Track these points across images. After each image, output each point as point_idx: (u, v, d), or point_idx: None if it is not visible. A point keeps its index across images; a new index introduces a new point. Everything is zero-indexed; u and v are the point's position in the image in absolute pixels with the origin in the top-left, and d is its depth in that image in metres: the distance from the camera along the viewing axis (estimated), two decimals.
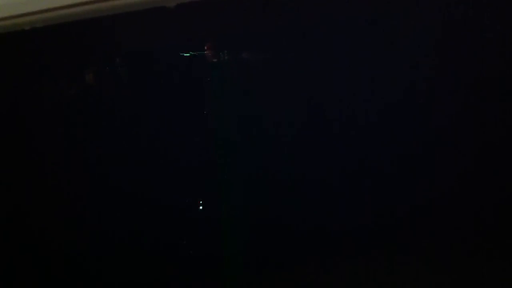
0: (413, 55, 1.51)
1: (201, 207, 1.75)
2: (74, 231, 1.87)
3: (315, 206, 1.62)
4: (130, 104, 1.78)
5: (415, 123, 1.53)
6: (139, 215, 1.79)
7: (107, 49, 1.76)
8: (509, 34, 1.43)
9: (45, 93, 1.83)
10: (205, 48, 1.66)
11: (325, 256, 1.64)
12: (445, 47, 1.48)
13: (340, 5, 1.53)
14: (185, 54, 1.67)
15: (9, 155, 1.88)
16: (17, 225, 1.92)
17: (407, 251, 1.56)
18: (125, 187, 1.79)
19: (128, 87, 1.79)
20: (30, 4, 1.65)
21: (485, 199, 1.47)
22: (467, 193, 1.49)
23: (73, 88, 1.83)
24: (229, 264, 1.72)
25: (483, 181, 1.47)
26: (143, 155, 1.78)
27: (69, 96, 1.83)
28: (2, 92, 1.85)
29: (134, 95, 1.78)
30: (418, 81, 1.51)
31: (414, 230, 1.54)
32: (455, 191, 1.50)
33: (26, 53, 1.80)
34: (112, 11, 1.62)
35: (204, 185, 1.74)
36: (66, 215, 1.87)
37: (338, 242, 1.61)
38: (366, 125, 1.56)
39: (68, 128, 1.84)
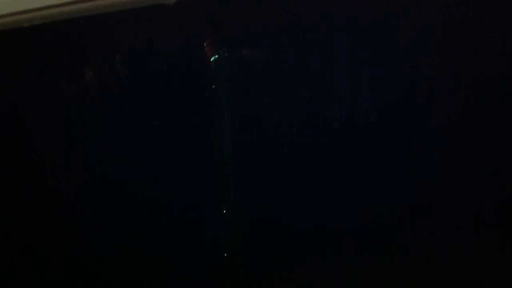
0: (413, 55, 1.51)
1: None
2: (74, 230, 1.85)
3: (315, 206, 1.62)
4: (127, 101, 1.77)
5: (415, 123, 1.52)
6: (139, 215, 1.78)
7: (105, 46, 1.75)
8: (509, 34, 1.42)
9: (44, 89, 1.82)
10: (204, 45, 1.66)
11: (325, 256, 1.63)
12: (445, 47, 1.48)
13: (340, 5, 1.53)
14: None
15: (8, 151, 1.87)
16: (17, 224, 1.91)
17: (407, 251, 1.56)
18: (124, 186, 1.79)
19: (126, 84, 1.78)
20: (29, 2, 1.65)
21: (485, 199, 1.47)
22: (466, 193, 1.48)
23: (71, 84, 1.82)
24: (229, 264, 1.71)
25: (483, 181, 1.47)
26: (142, 154, 1.78)
27: (67, 93, 1.82)
28: (1, 89, 1.84)
29: (131, 92, 1.77)
30: (418, 81, 1.51)
31: (414, 230, 1.54)
32: (455, 191, 1.50)
33: (25, 50, 1.79)
34: (110, 8, 1.62)
35: (204, 185, 1.73)
36: (67, 214, 1.86)
37: (338, 242, 1.60)
38: (367, 125, 1.56)
39: (66, 125, 1.83)
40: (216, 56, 1.66)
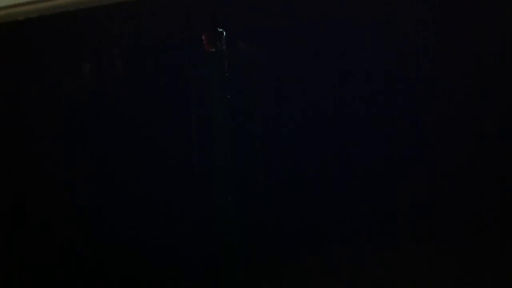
0: (412, 54, 1.50)
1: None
2: (74, 230, 1.84)
3: (315, 205, 1.61)
4: (124, 95, 1.76)
5: (416, 123, 1.52)
6: (137, 213, 1.77)
7: (101, 40, 1.75)
8: (509, 34, 1.42)
9: (39, 84, 1.82)
10: (202, 39, 1.65)
11: (325, 255, 1.62)
12: (445, 46, 1.48)
13: (341, 3, 1.52)
14: None
15: (3, 147, 1.87)
16: (17, 224, 1.90)
17: (406, 251, 1.55)
18: (123, 185, 1.78)
19: (122, 79, 1.77)
20: None
21: (485, 198, 1.46)
22: (465, 192, 1.48)
23: (67, 78, 1.81)
24: (229, 264, 1.70)
25: (482, 180, 1.46)
26: (140, 152, 1.77)
27: (63, 87, 1.82)
28: None
29: (128, 87, 1.77)
30: (418, 80, 1.50)
31: (413, 229, 1.53)
32: (454, 191, 1.49)
33: (19, 44, 1.78)
34: (107, 1, 1.62)
35: (204, 184, 1.72)
36: (67, 214, 1.85)
37: (338, 241, 1.60)
38: (366, 124, 1.55)
39: (62, 119, 1.82)
40: (214, 50, 1.65)
